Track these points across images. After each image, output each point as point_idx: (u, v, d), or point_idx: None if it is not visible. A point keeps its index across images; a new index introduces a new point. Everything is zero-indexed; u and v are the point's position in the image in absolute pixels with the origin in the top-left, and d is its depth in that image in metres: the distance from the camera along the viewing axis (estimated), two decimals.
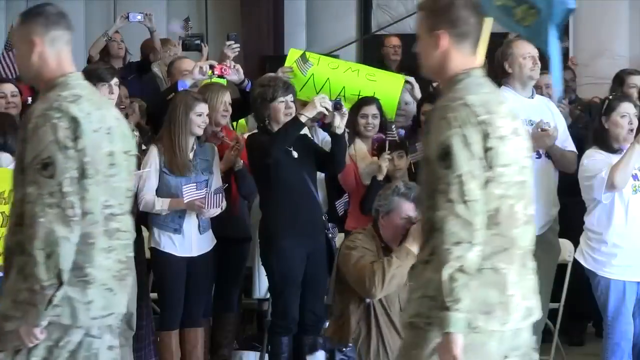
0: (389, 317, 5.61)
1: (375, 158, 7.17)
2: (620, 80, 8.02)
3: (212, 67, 7.20)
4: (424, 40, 3.51)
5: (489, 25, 3.73)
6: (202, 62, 7.48)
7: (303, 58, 7.52)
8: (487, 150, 3.31)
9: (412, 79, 7.94)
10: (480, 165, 3.31)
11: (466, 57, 3.51)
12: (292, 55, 7.80)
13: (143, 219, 6.85)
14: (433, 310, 3.26)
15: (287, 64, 7.72)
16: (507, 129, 3.43)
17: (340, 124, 6.50)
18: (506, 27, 4.09)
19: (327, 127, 7.18)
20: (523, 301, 3.41)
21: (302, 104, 7.29)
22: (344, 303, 5.73)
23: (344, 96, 7.56)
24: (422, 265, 3.42)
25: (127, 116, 6.98)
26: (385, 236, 5.62)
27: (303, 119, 6.39)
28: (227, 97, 6.84)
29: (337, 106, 6.51)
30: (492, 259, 3.34)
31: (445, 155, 3.28)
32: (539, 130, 6.62)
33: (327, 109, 6.41)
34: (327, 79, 7.65)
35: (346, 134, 7.09)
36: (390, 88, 7.83)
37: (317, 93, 7.45)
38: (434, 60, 3.48)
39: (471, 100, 3.35)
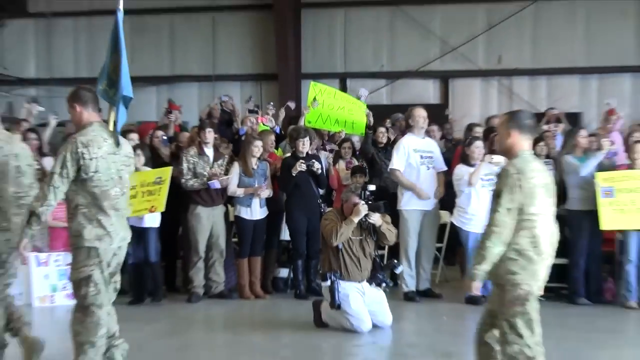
0: (350, 255, 7.40)
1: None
2: (469, 128, 10.38)
3: (256, 118, 9.80)
4: None
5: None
6: (248, 118, 10.04)
7: (314, 101, 10.07)
8: (81, 166, 4.90)
9: (369, 112, 9.98)
10: (67, 173, 4.87)
11: (90, 115, 5.07)
12: (311, 91, 10.20)
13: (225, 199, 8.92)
14: None
15: (308, 99, 10.21)
16: (101, 153, 4.98)
17: (317, 171, 8.84)
18: (107, 100, 5.26)
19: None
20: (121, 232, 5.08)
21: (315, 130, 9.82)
22: (325, 247, 7.49)
23: (337, 120, 10.32)
24: None
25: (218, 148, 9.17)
26: (345, 213, 7.43)
27: (294, 172, 8.75)
28: (271, 137, 9.51)
29: (308, 163, 8.75)
30: (95, 216, 4.95)
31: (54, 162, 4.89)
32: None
33: (304, 167, 8.68)
34: (328, 115, 10.26)
35: (330, 158, 9.82)
36: (359, 116, 10.22)
37: (324, 123, 10.29)
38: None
39: (78, 140, 4.95)
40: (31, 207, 4.91)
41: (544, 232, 4.57)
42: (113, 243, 5.01)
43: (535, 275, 4.54)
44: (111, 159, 5.03)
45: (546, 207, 4.59)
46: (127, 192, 5.23)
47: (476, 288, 4.61)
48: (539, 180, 4.57)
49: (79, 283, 5.01)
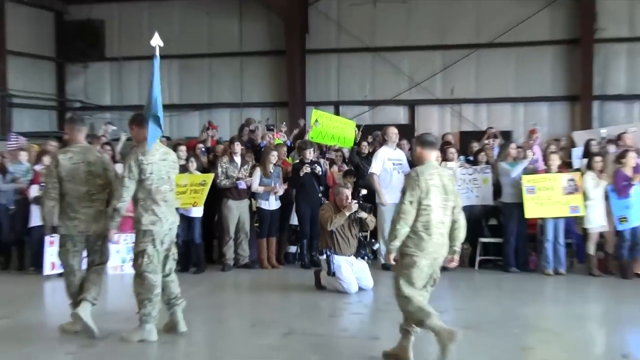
0: (341, 236, 7.34)
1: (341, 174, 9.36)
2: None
3: (272, 133, 9.69)
4: None
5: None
6: (267, 134, 10.15)
7: (316, 122, 9.87)
8: (142, 170, 4.89)
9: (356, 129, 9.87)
10: (133, 176, 4.83)
11: (144, 132, 4.90)
12: (313, 116, 9.88)
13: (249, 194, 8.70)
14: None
15: (311, 121, 9.87)
16: (154, 160, 4.89)
17: (318, 173, 8.74)
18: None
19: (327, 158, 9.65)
20: (169, 218, 5.00)
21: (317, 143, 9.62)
22: (322, 230, 7.46)
23: (333, 136, 9.93)
24: None
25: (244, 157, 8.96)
26: (338, 204, 7.40)
27: (301, 173, 8.67)
28: (284, 149, 9.50)
29: (312, 167, 8.69)
30: (149, 202, 4.82)
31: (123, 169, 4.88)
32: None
33: (308, 169, 8.60)
34: (326, 132, 10.00)
35: (327, 164, 9.53)
36: (350, 132, 10.19)
37: (323, 138, 9.87)
38: None
39: (138, 151, 4.91)
40: (112, 205, 4.90)
41: (436, 219, 4.51)
42: (164, 226, 4.98)
43: (424, 250, 4.51)
44: (162, 163, 4.99)
45: (439, 201, 4.53)
46: (174, 187, 5.17)
47: (391, 258, 4.62)
48: (434, 181, 4.53)
49: (137, 255, 5.01)
